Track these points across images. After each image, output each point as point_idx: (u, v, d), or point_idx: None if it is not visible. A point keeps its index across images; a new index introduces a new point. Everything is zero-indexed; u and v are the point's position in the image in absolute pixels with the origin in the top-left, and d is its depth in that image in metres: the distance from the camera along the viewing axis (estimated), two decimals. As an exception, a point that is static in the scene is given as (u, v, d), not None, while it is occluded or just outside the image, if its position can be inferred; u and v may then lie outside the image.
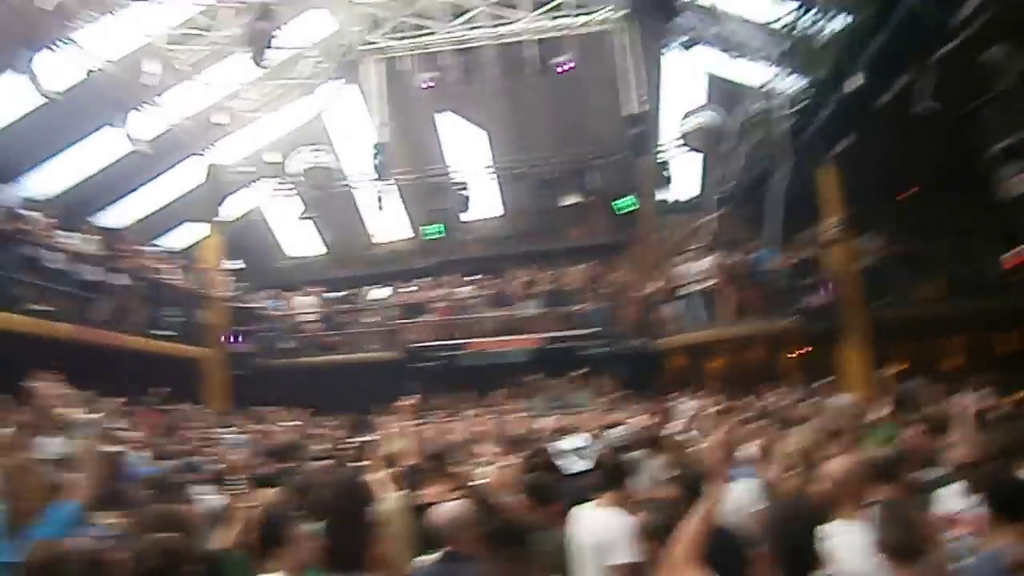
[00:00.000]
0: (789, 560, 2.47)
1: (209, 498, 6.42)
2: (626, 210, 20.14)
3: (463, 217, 20.97)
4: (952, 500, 4.52)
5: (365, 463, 7.24)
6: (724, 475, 2.98)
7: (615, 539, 4.00)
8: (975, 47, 7.67)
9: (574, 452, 5.72)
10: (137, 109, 14.98)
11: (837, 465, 3.81)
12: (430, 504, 4.54)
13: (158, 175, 17.07)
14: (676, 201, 20.57)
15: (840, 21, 12.08)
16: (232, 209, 18.37)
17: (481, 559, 3.13)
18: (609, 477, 4.52)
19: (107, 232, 14.30)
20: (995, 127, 7.87)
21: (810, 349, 17.22)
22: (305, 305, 19.46)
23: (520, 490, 4.42)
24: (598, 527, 4.23)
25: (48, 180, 15.27)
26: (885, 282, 14.98)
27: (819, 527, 2.56)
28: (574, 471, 5.51)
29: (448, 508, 3.75)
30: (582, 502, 4.57)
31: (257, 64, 12.61)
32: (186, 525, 2.88)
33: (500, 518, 4.05)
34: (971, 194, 12.42)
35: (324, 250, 22.44)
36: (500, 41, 16.72)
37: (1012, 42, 7.52)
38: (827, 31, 12.24)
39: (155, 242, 16.52)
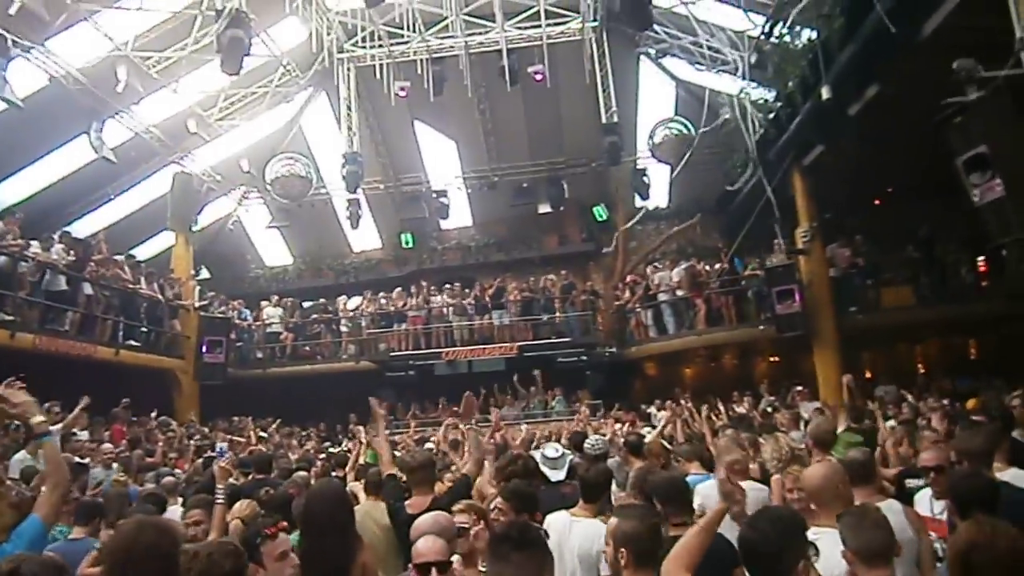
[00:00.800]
0: (768, 571, 2.48)
1: (178, 510, 6.35)
2: (600, 219, 20.25)
3: (439, 226, 20.98)
4: (925, 504, 4.59)
5: (342, 473, 7.21)
6: (735, 495, 2.98)
7: (600, 549, 4.01)
8: (943, 59, 7.78)
9: (548, 462, 5.68)
10: (110, 117, 14.80)
11: (812, 472, 3.83)
12: (413, 514, 4.49)
13: (129, 184, 16.84)
14: (650, 209, 20.67)
15: (809, 33, 12.24)
16: (203, 218, 18.15)
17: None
18: (590, 487, 4.51)
19: (75, 241, 14.06)
20: (963, 137, 8.00)
21: (782, 357, 17.40)
22: (277, 315, 19.31)
23: (504, 496, 4.38)
24: (581, 536, 4.23)
25: (16, 189, 15.01)
26: (855, 290, 15.18)
27: (795, 539, 2.55)
28: (550, 480, 5.51)
29: (426, 519, 3.70)
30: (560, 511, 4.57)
31: (229, 72, 12.45)
32: (176, 536, 2.80)
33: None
34: (939, 203, 12.65)
35: (297, 259, 22.27)
36: (473, 51, 16.75)
37: (978, 54, 7.64)
38: (797, 43, 12.39)
39: (124, 252, 16.24)
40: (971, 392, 11.58)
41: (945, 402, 10.37)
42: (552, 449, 5.75)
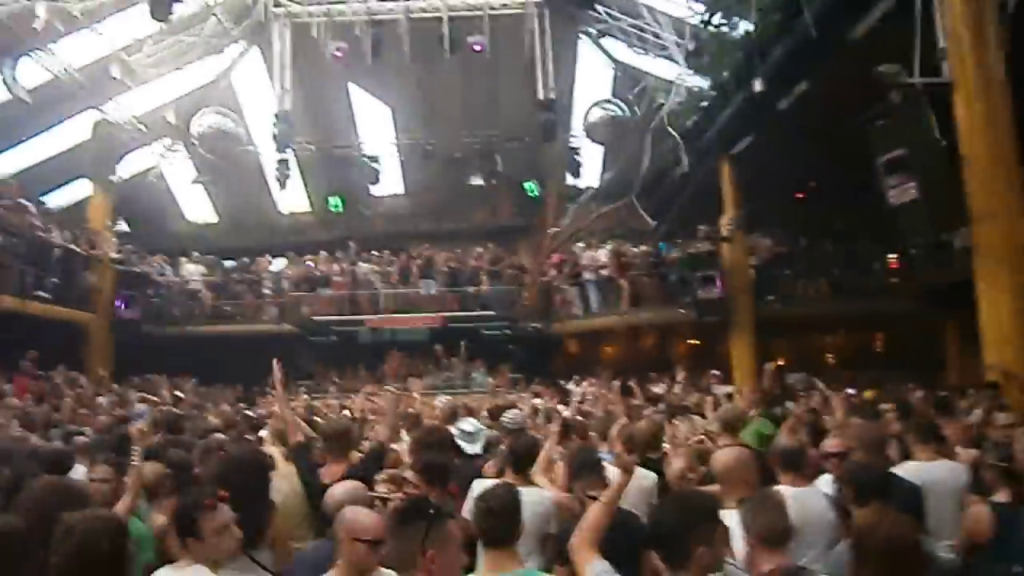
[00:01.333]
0: (671, 554, 2.57)
1: (83, 470, 6.17)
2: (532, 194, 20.30)
3: (369, 191, 20.71)
4: (826, 487, 4.80)
5: (255, 436, 7.12)
6: (631, 466, 3.08)
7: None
8: (871, 61, 8.04)
9: (465, 436, 5.73)
10: (27, 55, 14.08)
11: (722, 456, 3.96)
12: (327, 483, 4.48)
13: (44, 127, 16.08)
14: (581, 188, 20.84)
15: (746, 26, 12.46)
16: (123, 169, 17.50)
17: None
18: (519, 458, 4.56)
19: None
20: (883, 139, 8.29)
21: (701, 340, 17.83)
22: (198, 272, 18.81)
23: (416, 469, 4.41)
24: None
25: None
26: (774, 279, 15.65)
27: (701, 522, 2.63)
28: (467, 453, 5.55)
29: (339, 488, 3.71)
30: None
31: (158, 19, 12.00)
32: (85, 500, 2.73)
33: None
34: (858, 200, 13.09)
35: (221, 217, 21.70)
36: (414, 16, 16.48)
37: (902, 60, 7.92)
38: (734, 34, 12.60)
39: (38, 198, 15.56)
40: (873, 384, 12.11)
41: (850, 391, 10.80)
42: (468, 423, 5.81)
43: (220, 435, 6.91)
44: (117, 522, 2.47)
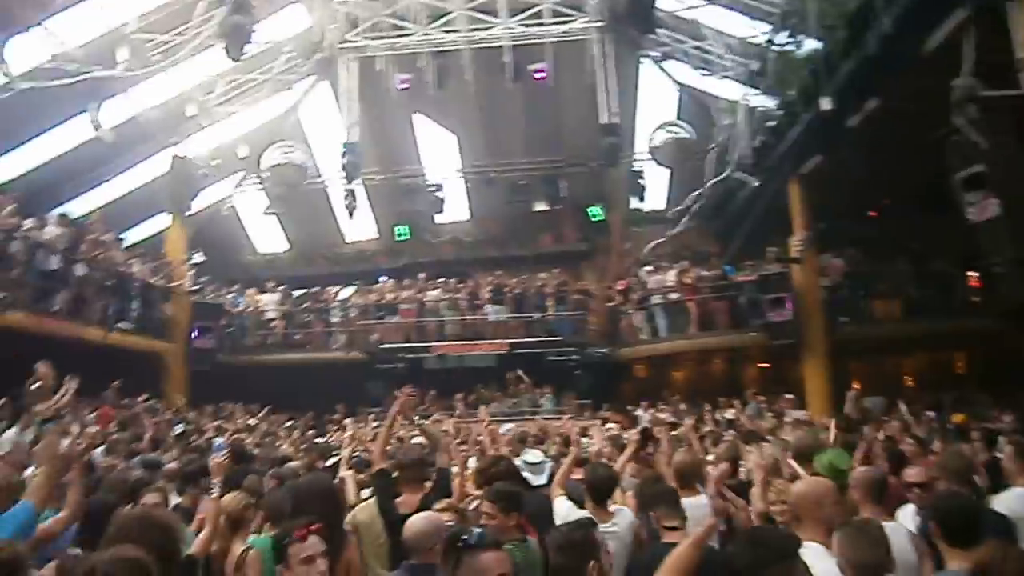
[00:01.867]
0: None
1: (174, 499, 6.34)
2: (596, 219, 20.27)
3: (434, 220, 20.98)
4: (908, 519, 4.63)
5: (324, 464, 7.21)
6: (724, 512, 3.03)
7: None
8: (945, 76, 7.84)
9: (529, 467, 5.69)
10: (109, 97, 14.73)
11: (804, 487, 3.84)
12: (405, 513, 4.50)
13: (125, 166, 16.77)
14: (646, 212, 20.72)
15: (811, 44, 12.30)
16: (198, 203, 18.11)
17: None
18: (597, 489, 4.54)
19: (69, 221, 14.01)
20: (961, 155, 8.06)
21: (772, 364, 17.46)
22: (270, 302, 19.26)
23: (489, 498, 4.39)
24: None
25: (12, 166, 14.92)
26: (846, 300, 15.26)
27: (781, 562, 2.57)
28: (533, 484, 5.50)
29: (418, 519, 3.72)
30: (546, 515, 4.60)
31: (232, 58, 12.43)
32: (168, 531, 2.80)
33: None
34: (934, 217, 12.72)
35: (291, 247, 22.22)
36: (477, 46, 16.73)
37: (978, 74, 7.71)
38: (800, 52, 12.44)
39: (118, 234, 16.20)
40: (957, 406, 11.68)
41: (931, 414, 10.43)
42: (533, 455, 5.80)
43: (292, 463, 7.04)
44: (141, 562, 2.43)
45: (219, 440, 9.48)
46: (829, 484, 3.88)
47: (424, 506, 4.40)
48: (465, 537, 2.47)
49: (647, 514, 4.24)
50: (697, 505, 4.74)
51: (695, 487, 5.11)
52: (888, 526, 3.83)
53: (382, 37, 17.07)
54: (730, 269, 16.81)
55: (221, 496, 4.45)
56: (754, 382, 16.82)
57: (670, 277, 17.04)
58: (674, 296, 16.73)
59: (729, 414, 12.16)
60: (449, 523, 3.84)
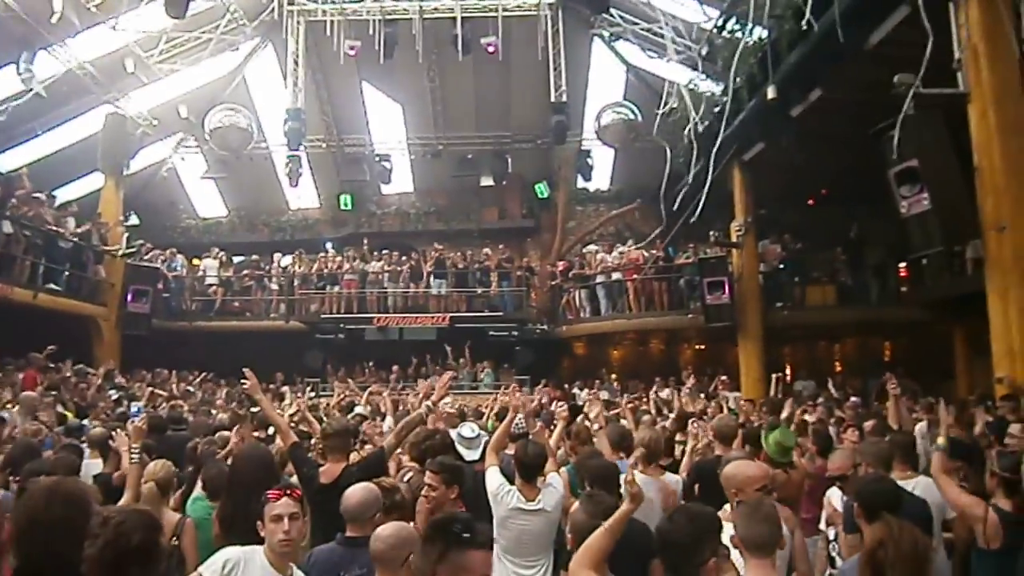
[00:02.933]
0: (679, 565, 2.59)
1: (94, 463, 6.20)
2: (541, 196, 20.31)
3: (379, 190, 20.76)
4: (836, 498, 4.82)
5: (263, 435, 7.12)
6: (639, 498, 3.06)
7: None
8: (885, 70, 8.00)
9: (464, 441, 5.71)
10: (42, 49, 14.13)
11: (731, 468, 3.95)
12: (325, 483, 4.48)
13: (58, 121, 16.14)
14: (591, 191, 20.85)
15: (761, 32, 12.42)
16: (135, 163, 17.55)
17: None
18: (527, 467, 4.55)
19: (-3, 176, 13.47)
20: (897, 149, 8.24)
21: (708, 346, 17.78)
22: (209, 267, 18.86)
23: (432, 469, 4.40)
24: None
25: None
26: (782, 286, 15.58)
27: (709, 534, 2.65)
28: (467, 459, 5.49)
29: (358, 489, 3.71)
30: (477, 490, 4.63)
31: (174, 16, 12.04)
32: (87, 507, 2.73)
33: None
34: (869, 208, 13.06)
35: (231, 213, 21.75)
36: (428, 16, 16.50)
37: (917, 70, 7.87)
38: (748, 40, 12.55)
39: (50, 191, 15.61)
40: (880, 392, 12.05)
41: (854, 399, 10.76)
42: (468, 429, 5.79)
43: (226, 433, 6.93)
44: (150, 517, 2.52)
45: (136, 405, 9.27)
46: (755, 465, 4.00)
47: (345, 476, 4.40)
48: (459, 528, 2.27)
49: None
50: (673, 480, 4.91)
51: (660, 465, 5.23)
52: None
53: (332, 1, 16.71)
54: (671, 251, 17.02)
55: (141, 462, 4.41)
56: (691, 363, 17.15)
57: (612, 257, 17.18)
58: (615, 276, 16.86)
59: (664, 394, 12.37)
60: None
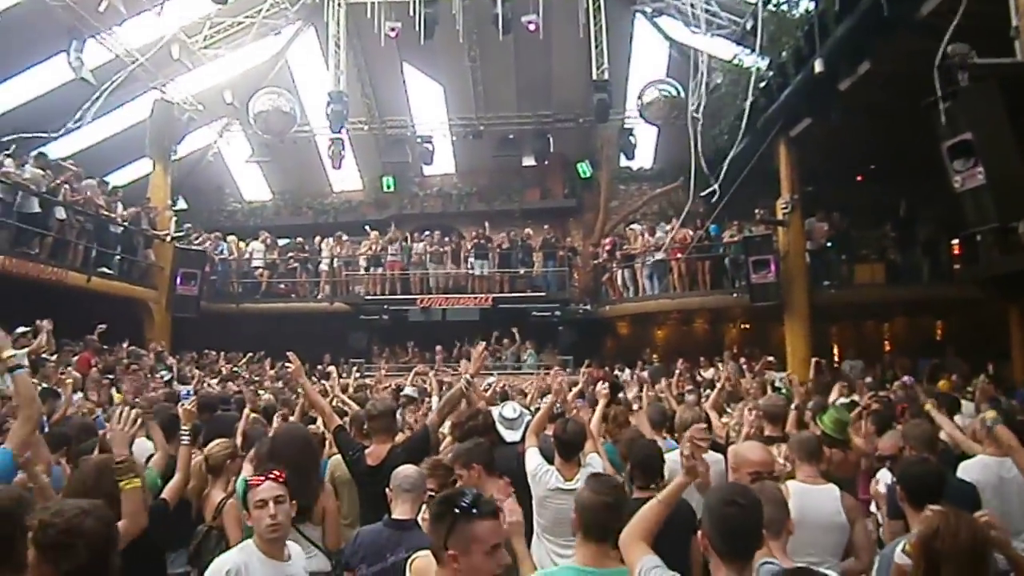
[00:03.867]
0: (728, 545, 2.53)
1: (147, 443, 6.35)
2: (584, 175, 20.18)
3: (421, 171, 20.83)
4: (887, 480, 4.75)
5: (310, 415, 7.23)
6: (696, 471, 3.03)
7: None
8: (937, 41, 7.76)
9: (506, 422, 5.61)
10: (91, 37, 14.40)
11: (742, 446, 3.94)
12: (372, 465, 4.53)
13: (107, 108, 16.45)
14: (635, 169, 20.66)
15: (807, 4, 12.15)
16: (182, 148, 17.86)
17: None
18: (565, 445, 4.55)
19: (49, 163, 13.78)
20: (950, 122, 8.00)
21: (753, 325, 17.58)
22: (255, 250, 19.19)
23: (469, 458, 4.38)
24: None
25: (-9, 106, 14.64)
26: (830, 264, 15.32)
27: (755, 510, 2.60)
28: (507, 440, 5.42)
29: (401, 471, 3.73)
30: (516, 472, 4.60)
31: (217, 2, 12.15)
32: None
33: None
34: (920, 183, 12.73)
35: (276, 196, 22.02)
36: (468, -5, 16.42)
37: (972, 41, 7.63)
38: (794, 13, 12.29)
39: (100, 178, 15.96)
40: (934, 372, 11.81)
41: (907, 379, 10.54)
42: (510, 408, 5.66)
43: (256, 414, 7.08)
44: (105, 513, 2.43)
45: (186, 388, 9.47)
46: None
47: (391, 457, 4.43)
48: (464, 501, 2.38)
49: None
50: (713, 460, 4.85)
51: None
52: (819, 489, 4.01)
53: (372, -17, 16.72)
54: (715, 229, 16.82)
55: (191, 444, 4.49)
56: (735, 343, 16.97)
57: (656, 236, 17.04)
58: (659, 255, 16.73)
59: (709, 374, 12.27)
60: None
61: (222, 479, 4.68)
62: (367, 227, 19.28)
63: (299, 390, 8.25)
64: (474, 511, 2.35)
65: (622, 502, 3.04)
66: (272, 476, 3.31)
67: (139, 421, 3.76)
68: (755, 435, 5.45)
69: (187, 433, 4.52)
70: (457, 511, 2.35)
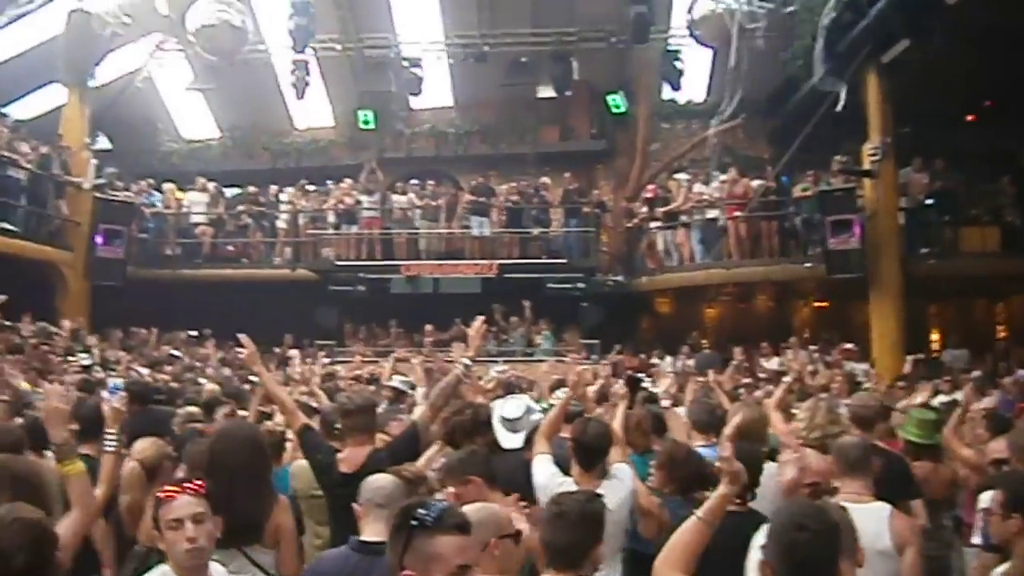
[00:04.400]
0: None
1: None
2: (616, 111, 20.06)
3: (409, 104, 20.73)
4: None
5: (270, 408, 7.29)
6: (738, 478, 3.07)
7: None
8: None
9: (507, 423, 5.45)
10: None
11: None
12: (347, 472, 4.57)
13: (8, 21, 16.42)
14: (681, 104, 20.58)
15: None
16: (104, 72, 17.83)
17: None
18: (587, 451, 4.54)
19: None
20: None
21: (830, 303, 17.58)
22: (196, 202, 19.25)
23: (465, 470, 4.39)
24: None
25: None
26: (930, 227, 15.28)
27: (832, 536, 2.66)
28: (504, 446, 5.32)
29: (372, 481, 3.76)
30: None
31: None
32: (42, 488, 2.83)
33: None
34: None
35: (224, 134, 22.02)
36: None
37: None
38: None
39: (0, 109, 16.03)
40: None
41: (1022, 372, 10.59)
42: (513, 406, 5.45)
43: (193, 408, 7.14)
44: (41, 525, 2.50)
45: (113, 381, 9.53)
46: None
47: (371, 464, 4.45)
48: (422, 512, 2.42)
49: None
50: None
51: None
52: (866, 507, 4.03)
53: None
54: (787, 181, 16.80)
55: (118, 449, 4.51)
56: (807, 325, 16.98)
57: (708, 188, 16.99)
58: (711, 213, 16.70)
59: (774, 363, 12.31)
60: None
61: (158, 485, 4.73)
62: (332, 180, 19.19)
63: (253, 380, 8.35)
64: (436, 524, 2.39)
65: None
66: (190, 488, 3.29)
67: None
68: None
69: (114, 436, 4.53)
70: (415, 523, 2.39)
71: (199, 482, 3.37)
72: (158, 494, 3.36)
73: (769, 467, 5.07)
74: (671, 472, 4.65)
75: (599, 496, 3.46)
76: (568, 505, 3.13)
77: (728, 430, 4.88)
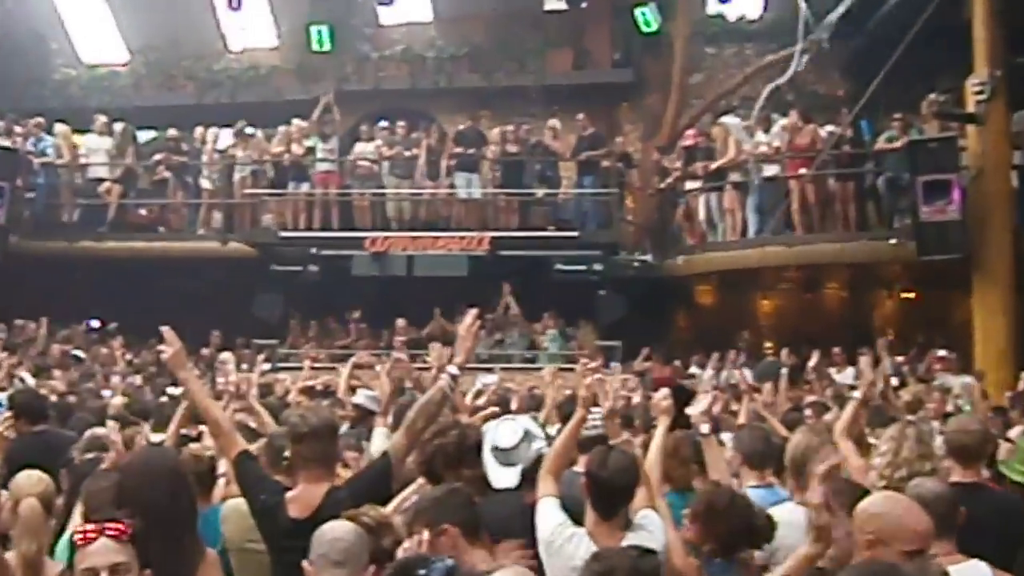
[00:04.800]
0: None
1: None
2: (647, 29, 20.03)
3: (376, 18, 20.71)
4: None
5: (196, 431, 7.40)
6: (830, 536, 3.20)
7: None
8: None
9: (499, 455, 5.28)
10: None
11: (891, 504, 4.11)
12: (296, 518, 4.63)
13: None
14: (732, 21, 20.57)
15: None
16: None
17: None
18: (607, 495, 4.52)
19: None
20: None
21: (922, 293, 17.55)
22: (98, 149, 19.22)
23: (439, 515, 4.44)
24: None
25: None
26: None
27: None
28: (495, 486, 5.22)
29: (329, 531, 3.82)
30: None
31: None
32: None
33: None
34: None
35: (135, 58, 22.03)
36: None
37: None
38: None
39: None
40: None
41: None
42: (508, 431, 5.20)
43: (101, 430, 7.24)
44: None
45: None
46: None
47: (328, 506, 4.42)
48: (425, 570, 2.57)
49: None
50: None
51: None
52: (957, 570, 4.05)
53: None
54: (867, 127, 16.78)
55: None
56: (892, 323, 16.96)
57: (766, 136, 16.98)
58: (769, 171, 16.73)
59: (848, 376, 12.34)
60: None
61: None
62: (296, 121, 19.24)
63: (171, 392, 8.47)
64: None
65: None
66: (111, 530, 3.39)
67: None
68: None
69: None
70: None
71: (125, 522, 3.44)
72: (75, 534, 3.47)
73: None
74: (710, 525, 4.52)
75: (652, 553, 3.48)
76: (614, 561, 3.15)
77: (821, 468, 4.84)
